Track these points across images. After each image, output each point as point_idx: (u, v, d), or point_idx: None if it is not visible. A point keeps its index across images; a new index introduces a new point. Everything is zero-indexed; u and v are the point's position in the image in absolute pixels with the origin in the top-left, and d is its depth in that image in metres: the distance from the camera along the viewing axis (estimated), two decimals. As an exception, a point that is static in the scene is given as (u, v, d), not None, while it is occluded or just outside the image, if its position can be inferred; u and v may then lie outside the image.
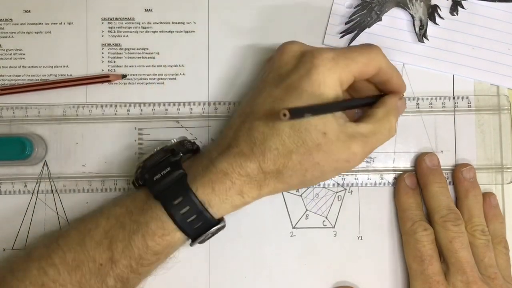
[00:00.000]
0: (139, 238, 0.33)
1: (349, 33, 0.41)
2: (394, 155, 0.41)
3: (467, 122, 0.41)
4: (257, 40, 0.42)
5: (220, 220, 0.35)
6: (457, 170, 0.40)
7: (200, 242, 0.35)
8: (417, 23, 0.40)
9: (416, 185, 0.40)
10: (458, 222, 0.37)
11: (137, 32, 0.42)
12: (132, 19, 0.42)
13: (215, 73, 0.41)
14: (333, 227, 0.40)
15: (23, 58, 0.42)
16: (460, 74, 0.41)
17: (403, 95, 0.38)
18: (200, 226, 0.33)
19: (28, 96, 0.41)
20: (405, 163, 0.41)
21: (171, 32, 0.42)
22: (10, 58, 0.42)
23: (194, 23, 0.42)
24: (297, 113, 0.30)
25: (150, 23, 0.42)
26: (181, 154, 0.35)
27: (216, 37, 0.42)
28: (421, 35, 0.40)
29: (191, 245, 0.35)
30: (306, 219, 0.40)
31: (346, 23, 0.41)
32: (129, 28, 0.42)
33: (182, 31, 0.42)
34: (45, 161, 0.41)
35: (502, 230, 0.39)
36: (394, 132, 0.36)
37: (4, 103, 0.41)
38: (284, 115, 0.29)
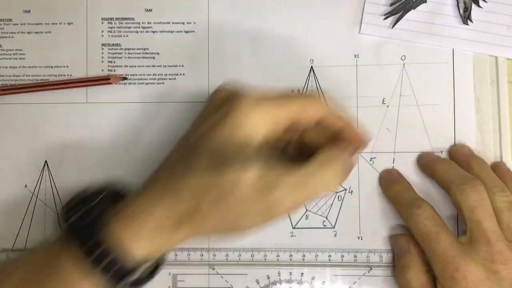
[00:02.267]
0: None
1: (393, 15, 0.41)
2: (394, 155, 0.41)
3: (467, 122, 0.41)
4: (258, 40, 0.42)
5: (142, 264, 0.32)
6: (451, 150, 0.40)
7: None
8: (461, 6, 0.40)
9: (396, 174, 0.40)
10: (477, 186, 0.35)
11: (137, 32, 0.42)
12: (132, 19, 0.42)
13: (215, 73, 0.41)
14: (333, 227, 0.40)
15: (23, 58, 0.42)
16: (499, 55, 0.41)
17: (359, 145, 0.35)
18: (118, 270, 0.30)
19: (28, 96, 0.41)
20: (405, 163, 0.41)
21: (171, 32, 0.42)
22: (10, 58, 0.42)
23: (194, 23, 0.42)
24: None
25: (150, 23, 0.42)
26: (104, 192, 0.34)
27: (216, 37, 0.42)
28: (466, 18, 0.40)
29: None
30: (306, 219, 0.40)
31: (390, 4, 0.41)
32: (129, 28, 0.42)
33: (182, 31, 0.42)
34: (46, 160, 0.41)
35: None
36: (332, 187, 0.33)
37: (4, 103, 0.41)
38: None
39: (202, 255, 0.40)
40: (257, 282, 0.40)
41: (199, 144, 0.32)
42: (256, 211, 0.31)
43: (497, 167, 0.39)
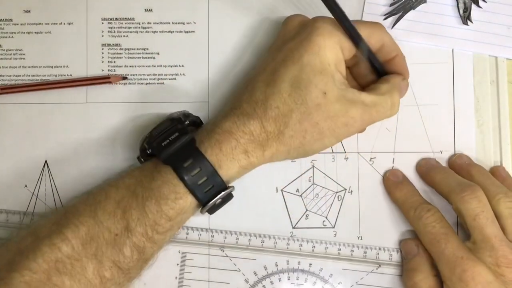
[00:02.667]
0: (153, 204, 0.33)
1: (393, 15, 0.41)
2: (394, 155, 0.41)
3: (467, 121, 0.41)
4: (258, 40, 0.42)
5: (229, 186, 0.35)
6: (450, 161, 0.40)
7: (210, 211, 0.35)
8: (461, 6, 0.40)
9: (402, 176, 0.40)
10: (477, 193, 0.35)
11: (137, 32, 0.42)
12: (132, 19, 0.42)
13: (215, 73, 0.41)
14: (333, 227, 0.40)
15: (23, 58, 0.42)
16: (499, 55, 0.41)
17: (407, 76, 0.38)
18: (210, 189, 0.34)
19: (28, 96, 0.41)
20: (405, 163, 0.41)
21: (171, 32, 0.42)
22: (10, 58, 0.42)
23: (194, 23, 0.42)
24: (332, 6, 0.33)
25: (150, 23, 0.42)
26: (187, 122, 0.36)
27: (216, 37, 0.42)
28: (465, 18, 0.40)
29: (201, 212, 0.35)
30: (306, 219, 0.40)
31: (390, 5, 0.41)
32: (129, 28, 0.42)
33: (182, 31, 0.42)
34: (46, 160, 0.41)
35: None
36: (396, 109, 0.37)
37: (4, 103, 0.41)
38: None
39: (213, 236, 0.40)
40: (265, 268, 0.40)
41: (280, 70, 0.34)
42: (332, 131, 0.35)
43: (496, 172, 0.39)
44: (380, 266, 0.40)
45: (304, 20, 0.37)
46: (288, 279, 0.40)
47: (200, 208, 0.35)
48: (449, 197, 0.37)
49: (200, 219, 0.40)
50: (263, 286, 0.40)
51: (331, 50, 0.34)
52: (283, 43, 0.36)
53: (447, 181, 0.38)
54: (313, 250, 0.40)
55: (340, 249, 0.40)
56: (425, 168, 0.40)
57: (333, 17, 0.35)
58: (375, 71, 0.38)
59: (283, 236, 0.40)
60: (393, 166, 0.41)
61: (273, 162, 0.36)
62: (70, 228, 0.32)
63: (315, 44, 0.34)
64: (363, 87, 0.38)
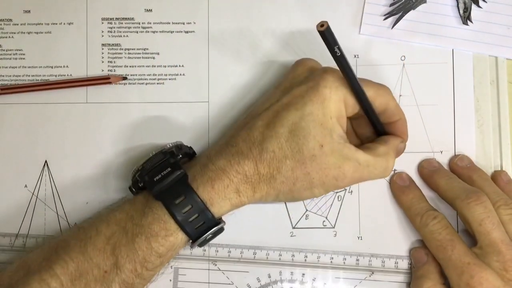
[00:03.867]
0: (143, 241, 0.33)
1: (393, 15, 0.41)
2: (394, 155, 0.41)
3: (467, 121, 0.41)
4: (258, 39, 0.42)
5: (220, 221, 0.35)
6: (451, 163, 0.40)
7: (200, 245, 0.35)
8: (461, 6, 0.40)
9: (409, 180, 0.40)
10: (482, 198, 0.36)
11: (137, 32, 0.42)
12: (132, 19, 0.42)
13: (215, 73, 0.41)
14: (333, 227, 0.40)
15: (23, 58, 0.42)
16: (499, 55, 0.41)
17: (405, 140, 0.39)
18: (201, 225, 0.34)
19: (28, 96, 0.41)
20: (405, 163, 0.41)
21: (171, 32, 0.42)
22: (10, 58, 0.42)
23: (194, 23, 0.42)
24: (331, 36, 0.31)
25: (150, 23, 0.42)
26: (180, 156, 0.36)
27: (216, 37, 0.42)
28: (465, 18, 0.40)
29: (191, 247, 0.35)
30: (306, 219, 0.40)
31: (390, 5, 0.41)
32: (129, 28, 0.42)
33: (182, 31, 0.42)
34: (46, 160, 0.41)
35: None
36: (388, 173, 0.37)
37: (4, 103, 0.41)
38: (322, 25, 0.30)
39: (205, 250, 0.40)
40: (258, 280, 0.40)
41: (282, 114, 0.34)
42: (322, 182, 0.34)
43: (498, 177, 0.39)
44: (373, 273, 0.40)
45: (314, 67, 0.37)
46: None
47: (190, 243, 0.34)
48: (454, 203, 0.37)
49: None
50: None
51: (335, 104, 0.34)
52: (290, 86, 0.36)
53: (451, 187, 0.38)
54: (305, 260, 0.40)
55: (332, 258, 0.40)
56: (427, 171, 0.40)
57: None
58: (375, 129, 0.38)
59: (280, 240, 0.40)
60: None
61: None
62: (60, 264, 0.32)
63: (320, 95, 0.34)
64: (362, 141, 0.39)
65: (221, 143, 0.36)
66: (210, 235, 0.34)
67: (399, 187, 0.40)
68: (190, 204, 0.33)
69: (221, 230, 0.35)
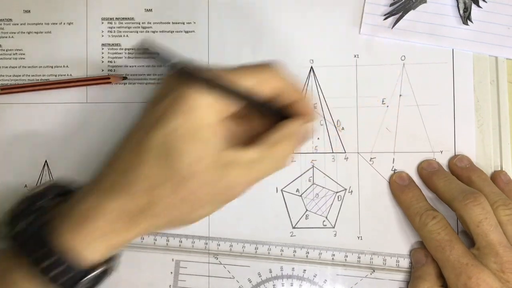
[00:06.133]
0: None
1: (393, 15, 0.41)
2: (394, 155, 0.41)
3: (467, 122, 0.41)
4: (258, 40, 0.42)
5: (97, 266, 0.31)
6: (451, 164, 0.40)
7: None
8: (461, 6, 0.40)
9: (408, 180, 0.40)
10: (480, 200, 0.35)
11: (137, 32, 0.42)
12: (132, 19, 0.42)
13: (215, 73, 0.41)
14: (333, 227, 0.40)
15: (23, 58, 0.42)
16: (499, 55, 0.41)
17: (309, 120, 0.34)
18: (72, 277, 0.30)
19: (28, 96, 0.41)
20: (405, 163, 0.41)
21: (171, 32, 0.42)
22: (10, 58, 0.42)
23: (194, 23, 0.42)
24: (188, 72, 0.27)
25: (150, 23, 0.42)
26: (51, 197, 0.33)
27: (216, 37, 0.42)
28: (465, 18, 0.40)
29: None
30: (306, 219, 0.40)
31: (390, 5, 0.41)
32: (129, 28, 0.42)
33: (182, 31, 0.42)
34: (46, 160, 0.41)
35: None
36: (285, 163, 0.32)
37: (4, 103, 0.41)
38: (144, 50, 0.27)
39: (207, 243, 0.40)
40: (259, 275, 0.40)
41: (148, 136, 0.30)
42: (212, 197, 0.31)
43: (498, 177, 0.39)
44: (374, 271, 0.40)
45: (175, 82, 0.31)
46: (283, 286, 0.40)
47: None
48: (452, 204, 0.37)
49: (199, 225, 0.40)
50: (258, 292, 0.40)
51: (206, 110, 0.29)
52: (152, 105, 0.31)
53: (449, 188, 0.38)
54: (307, 256, 0.40)
55: (334, 255, 0.40)
56: (426, 172, 0.40)
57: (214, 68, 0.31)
58: (276, 118, 0.33)
59: (280, 240, 0.40)
60: (393, 166, 0.41)
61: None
62: None
63: (185, 106, 0.29)
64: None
65: (91, 179, 0.32)
66: (88, 284, 0.31)
67: (399, 187, 0.40)
68: (56, 255, 0.29)
69: (104, 274, 0.32)
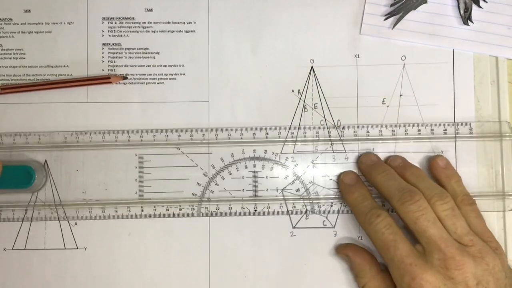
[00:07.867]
0: None
1: (394, 15, 0.41)
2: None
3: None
4: (258, 40, 0.42)
5: None
6: (388, 164, 0.40)
7: None
8: (462, 6, 0.40)
9: (356, 179, 0.40)
10: (416, 198, 0.35)
11: (137, 32, 0.42)
12: (133, 19, 0.42)
13: (215, 73, 0.41)
14: (333, 227, 0.40)
15: (24, 58, 0.42)
16: (499, 55, 0.41)
17: None
18: None
19: (28, 96, 0.41)
20: (405, 163, 0.41)
21: (171, 32, 0.42)
22: (10, 58, 0.42)
23: (194, 23, 0.42)
24: None
25: (151, 23, 0.42)
26: None
27: (216, 37, 0.42)
28: (466, 18, 0.40)
29: None
30: (306, 219, 0.41)
31: (391, 5, 0.41)
32: (129, 28, 0.42)
33: (182, 31, 0.42)
34: (46, 160, 0.41)
35: (460, 188, 0.38)
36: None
37: (4, 103, 0.41)
38: None
39: (167, 135, 0.41)
40: (222, 160, 0.41)
41: None
42: None
43: (434, 163, 0.39)
44: (333, 144, 0.40)
45: None
46: (246, 168, 0.41)
47: None
48: (390, 203, 0.36)
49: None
50: (222, 177, 0.41)
51: None
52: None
53: (388, 185, 0.37)
54: (266, 137, 0.41)
55: (293, 133, 0.41)
56: (365, 165, 0.39)
57: None
58: None
59: (239, 127, 0.41)
60: (393, 166, 0.41)
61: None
62: None
63: None
64: None
65: None
66: None
67: (346, 186, 0.39)
68: None
69: None
